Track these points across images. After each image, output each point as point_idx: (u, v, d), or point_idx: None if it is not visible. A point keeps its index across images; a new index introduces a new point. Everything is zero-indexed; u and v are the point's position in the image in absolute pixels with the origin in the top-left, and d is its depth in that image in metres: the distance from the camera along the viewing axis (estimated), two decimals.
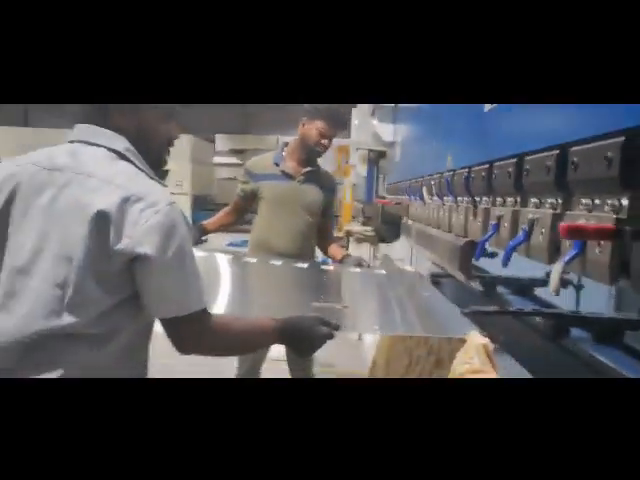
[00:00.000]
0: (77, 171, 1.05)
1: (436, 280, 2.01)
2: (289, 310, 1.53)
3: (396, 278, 2.16)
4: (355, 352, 4.37)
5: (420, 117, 2.33)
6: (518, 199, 1.08)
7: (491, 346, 1.22)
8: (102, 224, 0.99)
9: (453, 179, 1.47)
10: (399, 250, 4.03)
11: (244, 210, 2.71)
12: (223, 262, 2.41)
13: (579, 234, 0.70)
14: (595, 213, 0.76)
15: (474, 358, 1.20)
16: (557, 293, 0.79)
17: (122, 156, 1.08)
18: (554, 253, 0.87)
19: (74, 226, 1.00)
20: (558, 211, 0.87)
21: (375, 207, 4.13)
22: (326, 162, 2.85)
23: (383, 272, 2.29)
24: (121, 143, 1.09)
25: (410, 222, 2.33)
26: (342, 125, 2.65)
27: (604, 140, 0.72)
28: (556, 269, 0.78)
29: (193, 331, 1.08)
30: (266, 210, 2.55)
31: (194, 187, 11.65)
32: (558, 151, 0.86)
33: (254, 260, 2.36)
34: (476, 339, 1.21)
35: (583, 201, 0.80)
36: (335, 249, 2.67)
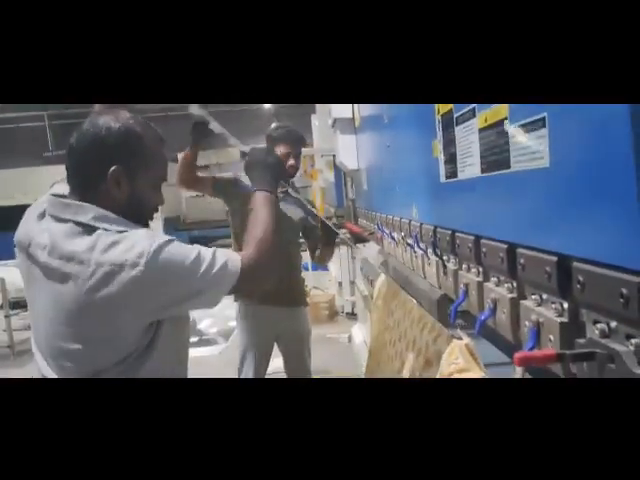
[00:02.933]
0: (55, 256, 1.08)
1: None
2: None
3: None
4: (347, 355, 4.51)
5: (381, 151, 2.25)
6: (481, 269, 1.13)
7: (473, 345, 1.33)
8: (101, 305, 1.04)
9: (421, 233, 1.52)
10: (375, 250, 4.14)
11: (210, 187, 2.66)
12: None
13: (530, 361, 0.79)
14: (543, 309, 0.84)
15: (459, 358, 1.31)
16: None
17: (91, 227, 1.09)
18: (517, 332, 0.94)
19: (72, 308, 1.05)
20: (515, 295, 0.93)
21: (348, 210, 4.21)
22: None
23: None
24: (86, 215, 1.10)
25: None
26: (303, 141, 2.72)
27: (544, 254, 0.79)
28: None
29: (251, 271, 1.16)
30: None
31: (164, 209, 11.57)
32: (507, 246, 0.91)
33: None
34: (459, 340, 1.31)
35: (533, 296, 0.87)
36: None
